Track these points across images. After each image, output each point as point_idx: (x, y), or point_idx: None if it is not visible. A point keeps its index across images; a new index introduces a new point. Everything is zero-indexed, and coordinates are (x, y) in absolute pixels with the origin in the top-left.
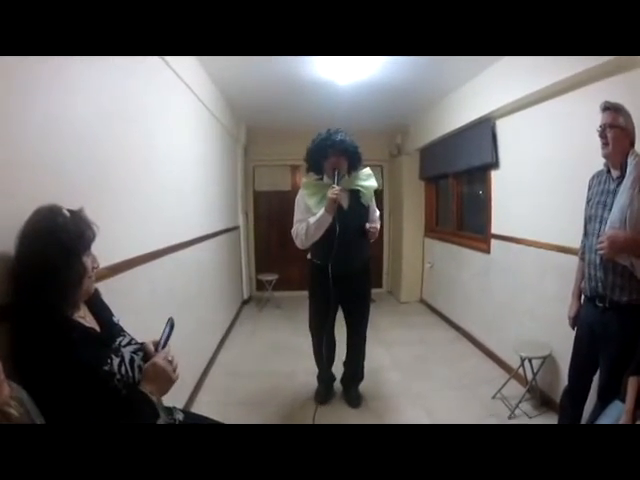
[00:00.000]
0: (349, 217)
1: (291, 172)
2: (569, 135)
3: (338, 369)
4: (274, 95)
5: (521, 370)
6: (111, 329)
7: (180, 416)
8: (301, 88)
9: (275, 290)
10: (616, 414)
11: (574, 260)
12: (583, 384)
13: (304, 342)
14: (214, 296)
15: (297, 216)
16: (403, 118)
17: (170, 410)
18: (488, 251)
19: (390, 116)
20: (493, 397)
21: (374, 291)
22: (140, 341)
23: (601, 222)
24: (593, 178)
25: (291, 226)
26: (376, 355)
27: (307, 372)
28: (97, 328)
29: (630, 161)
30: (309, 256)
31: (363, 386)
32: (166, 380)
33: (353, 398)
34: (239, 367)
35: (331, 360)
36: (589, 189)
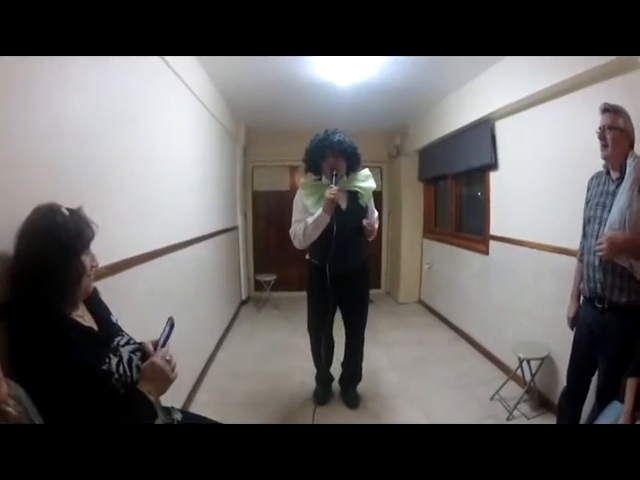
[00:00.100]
0: (347, 217)
1: (290, 173)
2: (568, 137)
3: (336, 369)
4: (273, 95)
5: (519, 371)
6: (109, 328)
7: (178, 416)
8: (300, 89)
9: (273, 290)
10: (615, 415)
11: (572, 261)
12: (582, 385)
13: (302, 342)
14: (212, 296)
15: (295, 216)
16: (402, 119)
17: (168, 410)
18: (487, 252)
19: (389, 117)
20: (491, 398)
21: (372, 292)
22: (138, 341)
23: (600, 223)
24: (592, 179)
25: (289, 227)
26: (374, 356)
27: (305, 372)
28: (95, 327)
29: (629, 162)
30: (307, 256)
31: (361, 387)
32: (164, 380)
33: (351, 399)
34: (237, 367)
35: (329, 360)
36: (588, 190)
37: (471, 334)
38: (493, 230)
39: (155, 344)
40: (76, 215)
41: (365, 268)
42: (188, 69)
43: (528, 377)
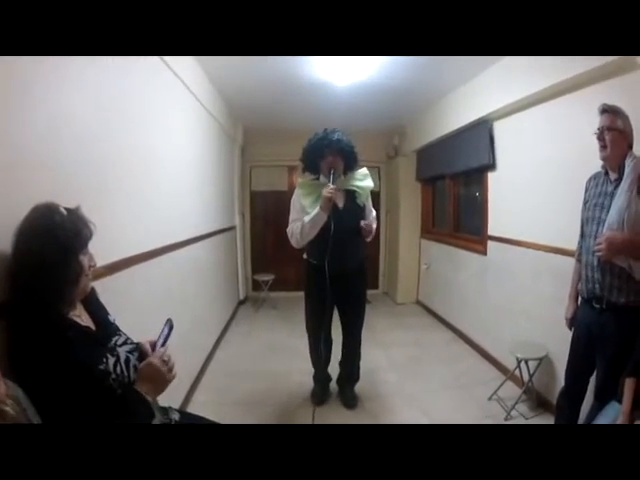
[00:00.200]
0: (344, 216)
1: (288, 173)
2: (566, 137)
3: (334, 369)
4: (272, 95)
5: (517, 371)
6: (107, 328)
7: (176, 416)
8: (299, 89)
9: (271, 290)
10: (613, 415)
11: (570, 262)
12: (580, 385)
13: (300, 343)
14: (210, 296)
15: (292, 215)
16: (400, 119)
17: (166, 410)
18: (485, 252)
19: (387, 117)
20: (489, 398)
21: (370, 292)
22: (136, 341)
23: (599, 224)
24: (590, 180)
25: (287, 227)
26: (372, 356)
27: (303, 372)
28: (93, 327)
29: (628, 163)
30: (305, 256)
31: (359, 387)
32: (161, 380)
33: (349, 399)
34: (235, 367)
35: (327, 360)
36: (586, 191)
37: (469, 334)
38: (491, 230)
39: (153, 344)
40: (74, 215)
41: (363, 268)
42: (186, 69)
43: (526, 377)
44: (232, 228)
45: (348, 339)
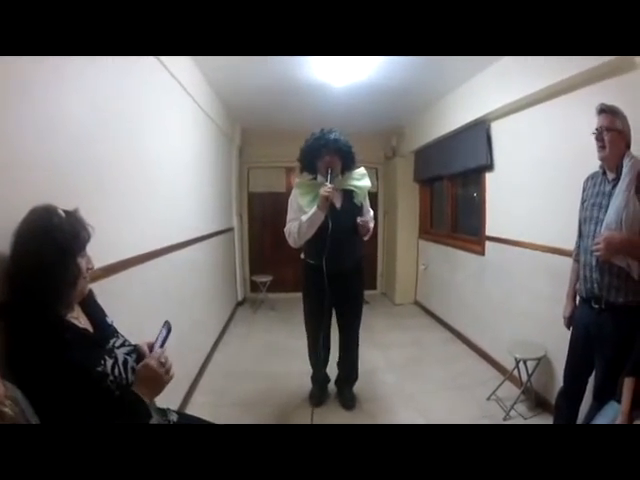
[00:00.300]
0: (342, 216)
1: (286, 174)
2: (563, 137)
3: (333, 370)
4: (269, 96)
5: (516, 371)
6: (105, 330)
7: (174, 417)
8: (296, 90)
9: (269, 292)
10: (612, 415)
11: (568, 261)
12: (579, 385)
13: (298, 344)
14: (208, 297)
15: (290, 215)
16: (398, 120)
17: (164, 411)
18: (482, 253)
19: (385, 118)
20: (488, 398)
21: (368, 293)
22: (134, 342)
23: (597, 223)
24: (588, 180)
25: (285, 227)
26: (370, 357)
27: (301, 373)
28: (91, 329)
29: (626, 163)
30: (302, 256)
31: (357, 388)
32: (158, 382)
33: (347, 399)
34: (234, 368)
35: (325, 361)
36: (584, 191)
37: (467, 335)
38: (489, 231)
39: (151, 346)
40: (72, 217)
41: (360, 268)
42: (183, 69)
43: (524, 377)
44: (230, 229)
45: (346, 339)
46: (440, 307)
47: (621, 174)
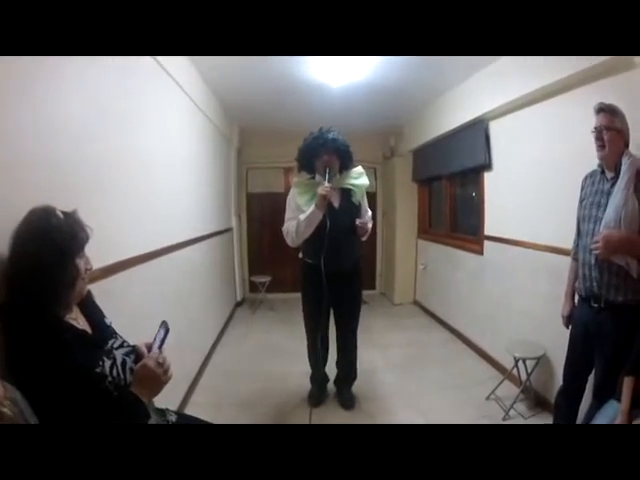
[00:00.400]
0: (340, 215)
1: (284, 174)
2: (561, 137)
3: (331, 370)
4: (267, 97)
5: (515, 371)
6: (103, 331)
7: (173, 418)
8: (294, 90)
9: (268, 292)
10: (612, 414)
11: (567, 260)
12: (578, 384)
13: (297, 344)
14: (207, 298)
15: (288, 214)
16: (396, 120)
17: (163, 412)
18: (481, 252)
19: (383, 118)
20: (487, 398)
21: (367, 293)
22: (133, 343)
23: (595, 222)
24: (586, 178)
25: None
26: (370, 357)
27: (300, 374)
28: (89, 330)
29: (624, 161)
30: (300, 255)
31: (356, 387)
32: (156, 382)
33: (346, 399)
34: (233, 369)
35: (324, 360)
36: (582, 189)
37: (466, 334)
38: (487, 230)
39: (149, 347)
40: (71, 218)
41: (358, 267)
42: (181, 69)
43: (524, 376)
44: (229, 230)
45: (344, 339)
46: (439, 307)
47: (620, 173)
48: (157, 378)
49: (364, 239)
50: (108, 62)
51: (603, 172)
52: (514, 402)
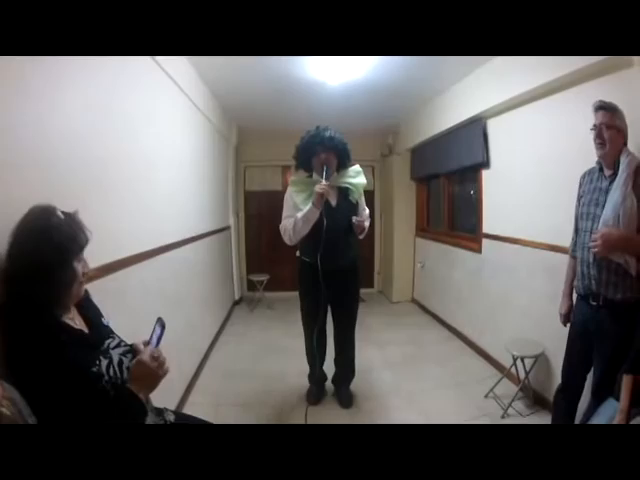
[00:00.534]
0: (337, 213)
1: (282, 173)
2: (559, 135)
3: (330, 369)
4: (265, 95)
5: (514, 369)
6: (100, 331)
7: (171, 417)
8: (292, 88)
9: (266, 290)
10: (610, 412)
11: (565, 258)
12: (577, 382)
13: (295, 343)
14: (205, 297)
15: (285, 212)
16: (394, 118)
17: (161, 411)
18: (479, 250)
19: (381, 116)
20: (486, 396)
21: (365, 291)
22: (130, 342)
23: (594, 220)
24: (584, 176)
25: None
26: (368, 355)
27: (298, 372)
28: (86, 330)
29: (623, 159)
30: (298, 253)
31: (355, 386)
32: (152, 377)
33: (344, 398)
34: (231, 368)
35: (322, 359)
36: (580, 187)
37: (465, 332)
38: (486, 228)
39: (146, 345)
40: (71, 219)
41: (355, 266)
42: (179, 69)
43: (522, 375)
44: (227, 228)
45: (342, 338)
46: (437, 305)
47: (618, 170)
48: (153, 373)
49: (361, 237)
50: (107, 62)
51: (601, 170)
52: (512, 400)
